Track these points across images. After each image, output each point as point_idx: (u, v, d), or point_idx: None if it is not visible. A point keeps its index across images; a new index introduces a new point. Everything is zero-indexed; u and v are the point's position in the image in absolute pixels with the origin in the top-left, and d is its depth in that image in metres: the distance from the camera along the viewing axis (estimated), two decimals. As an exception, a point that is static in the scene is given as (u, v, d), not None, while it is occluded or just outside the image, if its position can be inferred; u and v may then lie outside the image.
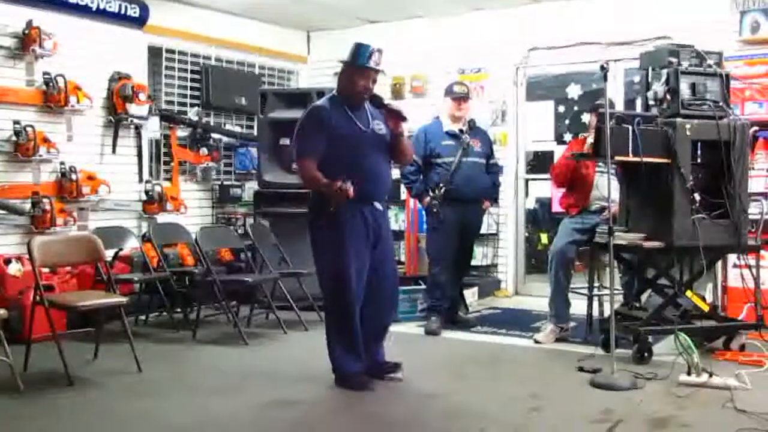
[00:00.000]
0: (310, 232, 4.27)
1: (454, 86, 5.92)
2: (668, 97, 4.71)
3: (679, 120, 4.61)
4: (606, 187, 4.57)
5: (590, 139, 4.79)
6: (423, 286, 6.06)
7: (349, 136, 4.13)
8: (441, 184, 5.63)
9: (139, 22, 6.68)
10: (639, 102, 5.56)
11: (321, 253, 4.23)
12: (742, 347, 4.85)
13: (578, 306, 5.38)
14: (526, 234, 7.80)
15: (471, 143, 5.74)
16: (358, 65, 4.15)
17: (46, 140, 5.90)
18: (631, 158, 4.54)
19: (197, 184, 7.43)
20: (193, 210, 7.21)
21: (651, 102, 4.84)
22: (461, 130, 5.77)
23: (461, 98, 5.82)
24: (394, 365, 4.34)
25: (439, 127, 5.82)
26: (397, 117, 4.20)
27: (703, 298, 5.18)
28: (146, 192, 6.70)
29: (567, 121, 7.62)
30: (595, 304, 5.21)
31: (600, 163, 5.09)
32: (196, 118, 7.29)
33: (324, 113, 4.17)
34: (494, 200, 6.27)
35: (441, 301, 5.76)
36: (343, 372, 4.22)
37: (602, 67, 4.31)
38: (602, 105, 4.55)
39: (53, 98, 5.97)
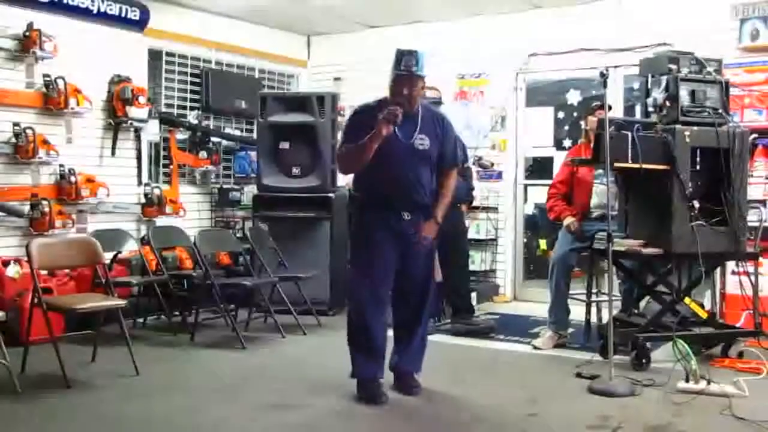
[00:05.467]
0: (349, 233, 4.48)
1: None
2: (668, 103, 4.70)
3: (678, 127, 4.61)
4: (605, 194, 4.57)
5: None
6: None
7: (383, 141, 3.96)
8: None
9: (140, 25, 6.67)
10: (638, 108, 5.56)
11: (351, 255, 4.32)
12: (740, 354, 4.84)
13: (577, 312, 5.37)
14: (525, 239, 7.79)
15: None
16: (394, 72, 4.03)
17: (45, 142, 5.89)
18: (630, 165, 4.54)
19: (196, 188, 7.43)
20: (192, 213, 7.21)
21: (650, 109, 4.84)
22: None
23: None
24: (416, 386, 4.22)
25: None
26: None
27: (702, 305, 5.18)
28: (145, 195, 6.70)
29: (566, 127, 7.62)
30: (594, 310, 5.20)
31: (599, 171, 5.10)
32: (195, 122, 7.30)
33: (365, 110, 4.11)
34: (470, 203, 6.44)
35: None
36: (356, 376, 4.16)
37: (602, 74, 4.31)
38: (600, 106, 4.53)
39: (53, 101, 5.97)
